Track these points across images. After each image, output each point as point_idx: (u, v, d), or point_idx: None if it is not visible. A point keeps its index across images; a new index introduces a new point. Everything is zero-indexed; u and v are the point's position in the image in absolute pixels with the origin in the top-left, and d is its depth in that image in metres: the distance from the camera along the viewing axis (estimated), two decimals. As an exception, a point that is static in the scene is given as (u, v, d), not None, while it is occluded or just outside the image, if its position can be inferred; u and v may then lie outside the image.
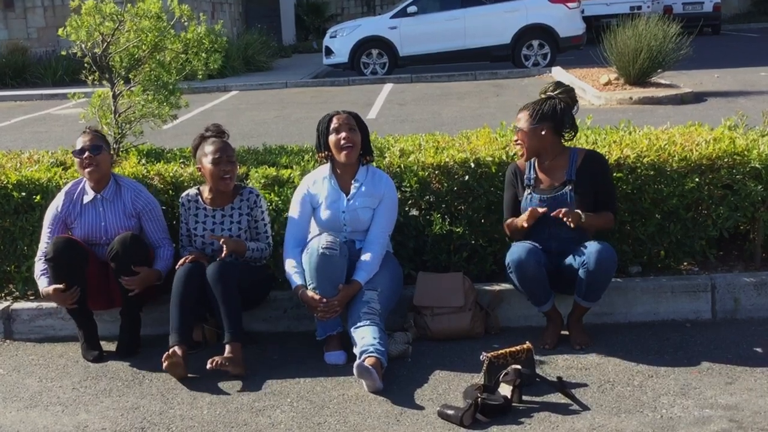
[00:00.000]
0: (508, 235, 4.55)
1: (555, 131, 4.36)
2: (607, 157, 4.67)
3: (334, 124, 4.41)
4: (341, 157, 4.41)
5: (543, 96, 4.43)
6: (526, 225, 4.28)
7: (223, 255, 4.33)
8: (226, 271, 4.27)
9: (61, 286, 4.36)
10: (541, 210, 4.24)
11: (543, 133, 4.33)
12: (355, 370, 3.93)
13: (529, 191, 4.40)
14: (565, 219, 4.15)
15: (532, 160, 4.44)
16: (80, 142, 4.56)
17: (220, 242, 4.36)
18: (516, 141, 4.43)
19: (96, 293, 4.55)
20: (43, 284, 4.45)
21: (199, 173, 4.61)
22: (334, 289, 4.24)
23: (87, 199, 4.60)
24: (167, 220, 4.76)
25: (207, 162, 4.45)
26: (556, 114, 4.35)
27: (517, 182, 4.47)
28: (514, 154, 4.79)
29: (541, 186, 4.38)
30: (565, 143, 4.46)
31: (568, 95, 4.42)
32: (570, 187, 4.32)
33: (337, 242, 4.27)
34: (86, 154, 4.52)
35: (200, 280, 4.28)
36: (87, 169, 4.54)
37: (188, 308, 4.26)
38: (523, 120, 4.37)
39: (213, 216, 4.57)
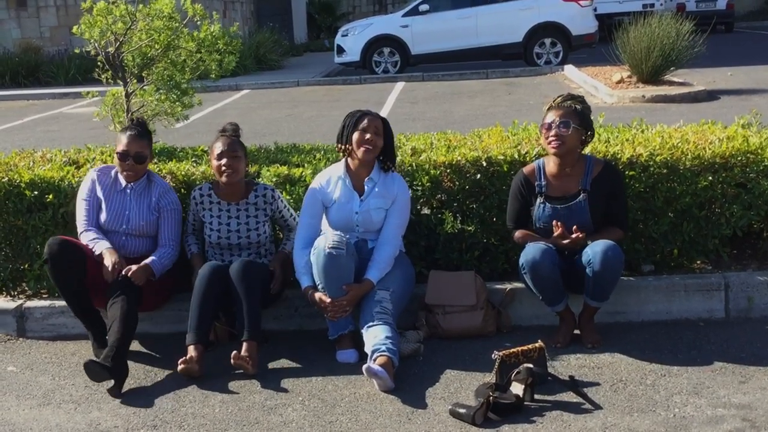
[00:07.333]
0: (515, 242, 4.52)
1: (585, 136, 4.32)
2: (619, 156, 4.65)
3: (363, 123, 4.38)
4: (360, 153, 4.39)
5: (568, 103, 4.30)
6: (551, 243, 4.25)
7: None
8: (251, 269, 4.31)
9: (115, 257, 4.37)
10: (566, 241, 4.17)
11: (583, 137, 4.29)
12: (364, 372, 3.94)
13: (541, 199, 4.36)
14: (576, 237, 4.13)
15: (541, 166, 4.38)
16: (125, 144, 4.52)
17: (276, 286, 4.50)
18: (551, 137, 4.23)
19: (99, 289, 4.52)
20: (100, 249, 4.45)
21: (211, 170, 4.71)
22: (341, 289, 4.24)
23: (119, 187, 4.63)
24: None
25: (213, 157, 4.56)
26: (589, 119, 4.32)
27: (526, 192, 4.39)
28: (526, 153, 4.77)
29: (553, 194, 4.33)
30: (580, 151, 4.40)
31: (586, 106, 4.36)
32: (584, 196, 4.28)
33: (344, 241, 4.25)
34: (129, 161, 4.54)
35: (224, 280, 4.31)
36: (126, 172, 4.57)
37: (209, 308, 4.28)
38: (565, 118, 4.21)
39: (228, 210, 4.62)
